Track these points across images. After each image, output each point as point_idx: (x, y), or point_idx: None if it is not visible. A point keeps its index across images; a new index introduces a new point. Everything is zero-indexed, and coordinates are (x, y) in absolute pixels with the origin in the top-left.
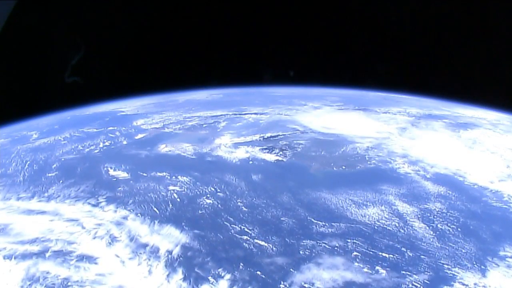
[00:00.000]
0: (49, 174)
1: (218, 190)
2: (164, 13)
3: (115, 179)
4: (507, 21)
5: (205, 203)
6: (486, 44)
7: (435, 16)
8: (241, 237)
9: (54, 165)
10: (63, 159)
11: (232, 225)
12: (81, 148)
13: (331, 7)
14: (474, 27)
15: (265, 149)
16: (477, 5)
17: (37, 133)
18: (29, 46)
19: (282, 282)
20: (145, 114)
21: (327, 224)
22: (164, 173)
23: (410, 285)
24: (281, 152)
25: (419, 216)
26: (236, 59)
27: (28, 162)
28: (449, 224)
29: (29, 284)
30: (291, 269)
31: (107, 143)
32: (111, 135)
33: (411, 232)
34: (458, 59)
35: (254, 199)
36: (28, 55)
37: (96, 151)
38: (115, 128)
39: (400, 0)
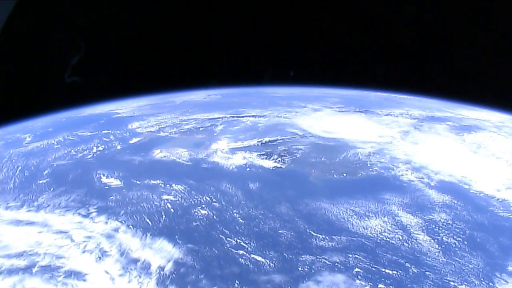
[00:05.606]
0: (40, 181)
1: (214, 200)
2: (162, 13)
3: (107, 187)
4: (508, 21)
5: (199, 214)
6: (488, 44)
7: (436, 16)
8: (237, 251)
9: (46, 172)
10: (55, 165)
11: (227, 239)
12: (74, 153)
13: (331, 7)
14: (476, 27)
15: (263, 155)
16: (479, 5)
17: (31, 136)
18: (28, 46)
19: None
20: (141, 116)
21: (327, 238)
22: (158, 181)
23: None
24: (279, 158)
25: (423, 228)
26: (235, 58)
27: (20, 168)
28: (455, 237)
29: None
30: None
31: (100, 148)
32: (105, 139)
33: (416, 245)
34: (460, 59)
35: (251, 209)
36: (27, 55)
37: (89, 156)
38: (110, 131)
39: (401, 0)
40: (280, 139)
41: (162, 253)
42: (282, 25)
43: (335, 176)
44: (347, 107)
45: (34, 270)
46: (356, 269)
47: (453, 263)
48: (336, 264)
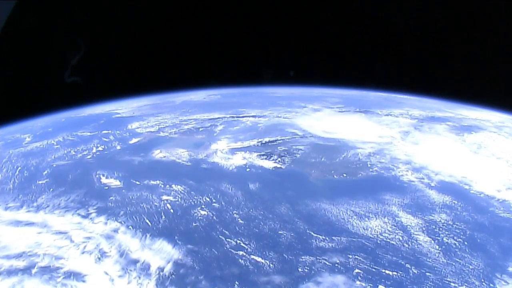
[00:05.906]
0: (40, 182)
1: (214, 200)
2: (162, 13)
3: (106, 188)
4: (508, 21)
5: (199, 214)
6: (488, 44)
7: (436, 16)
8: (236, 252)
9: (45, 172)
10: (54, 165)
11: (227, 239)
12: (73, 153)
13: (331, 7)
14: (476, 27)
15: (263, 155)
16: (479, 5)
17: (30, 136)
18: (28, 46)
19: None
20: (141, 116)
21: (327, 238)
22: (158, 182)
23: None
24: (279, 159)
25: (423, 228)
26: (235, 59)
27: (19, 168)
28: (455, 237)
29: None
30: None
31: (100, 148)
32: (105, 139)
33: (416, 246)
34: (460, 58)
35: (251, 210)
36: (27, 55)
37: (88, 156)
38: (109, 131)
39: (401, 0)
40: (280, 139)
41: (161, 254)
42: (282, 25)
43: (335, 176)
44: (347, 107)
45: (33, 271)
46: (356, 270)
47: (454, 264)
48: (336, 265)
